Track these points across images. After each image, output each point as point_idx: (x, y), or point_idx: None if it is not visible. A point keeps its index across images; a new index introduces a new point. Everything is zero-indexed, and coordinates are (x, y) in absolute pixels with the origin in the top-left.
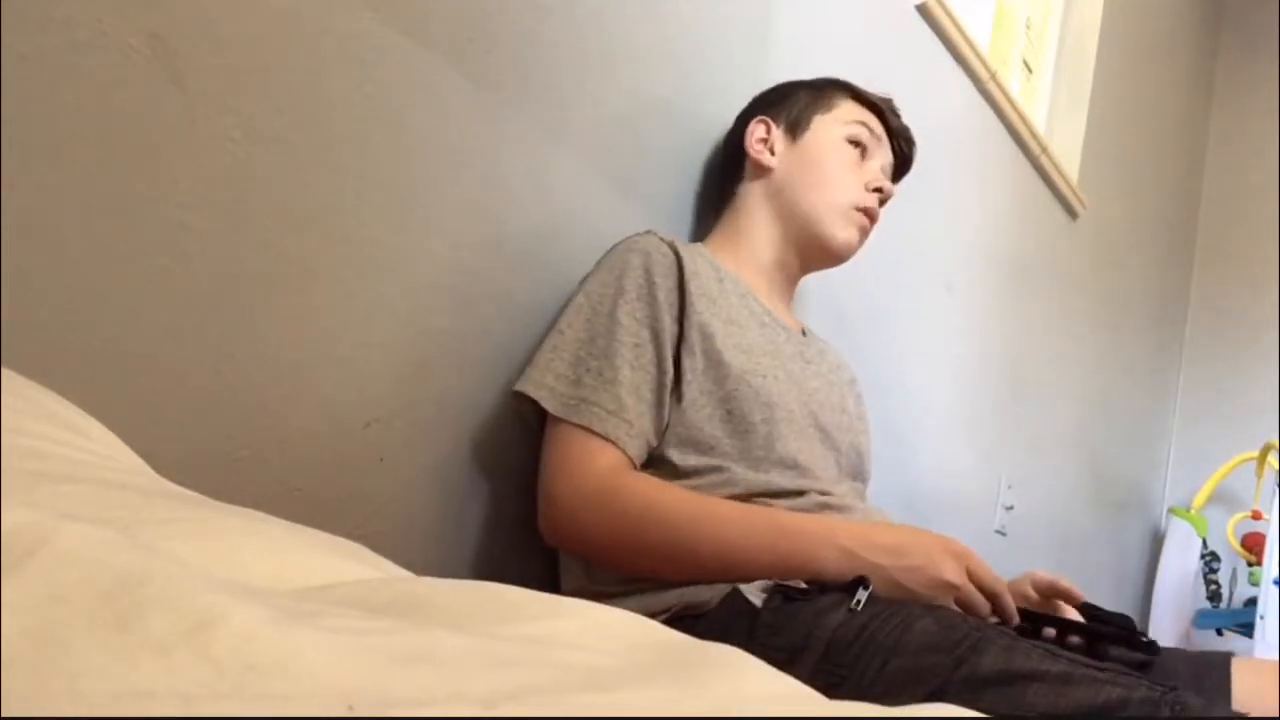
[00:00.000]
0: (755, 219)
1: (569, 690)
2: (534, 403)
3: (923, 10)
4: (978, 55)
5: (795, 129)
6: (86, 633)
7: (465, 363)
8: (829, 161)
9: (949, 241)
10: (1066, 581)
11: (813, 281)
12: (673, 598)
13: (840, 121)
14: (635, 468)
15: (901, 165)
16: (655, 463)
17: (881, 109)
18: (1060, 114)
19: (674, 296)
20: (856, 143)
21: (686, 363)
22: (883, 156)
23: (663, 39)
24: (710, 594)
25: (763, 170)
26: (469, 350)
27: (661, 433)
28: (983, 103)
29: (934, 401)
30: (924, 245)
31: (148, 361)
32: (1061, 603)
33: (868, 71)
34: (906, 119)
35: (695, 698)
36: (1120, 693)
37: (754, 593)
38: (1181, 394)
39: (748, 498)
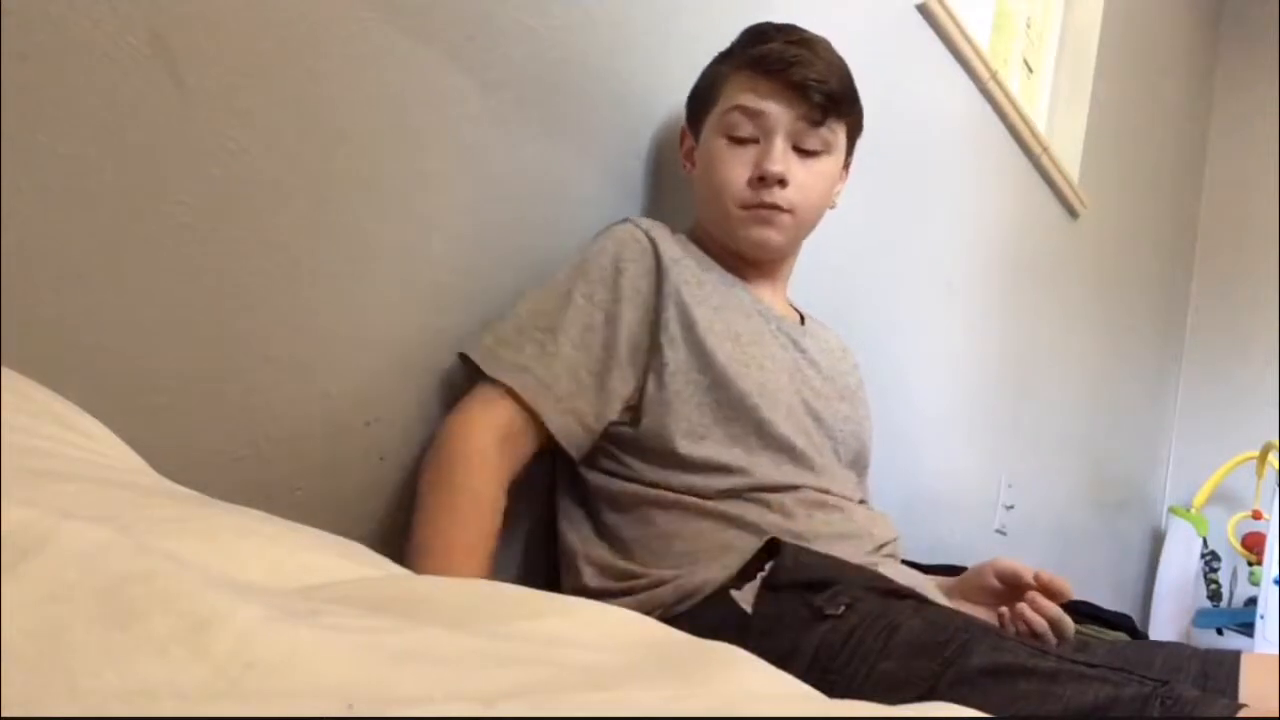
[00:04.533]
0: (702, 224)
1: (568, 689)
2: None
3: (923, 10)
4: (978, 55)
5: (698, 137)
6: (86, 632)
7: None
8: (714, 170)
9: (949, 241)
10: (1030, 571)
11: (812, 280)
12: (668, 591)
13: (720, 115)
14: (547, 442)
15: (822, 109)
16: (665, 458)
17: (766, 65)
18: (1061, 113)
19: (641, 284)
20: (735, 137)
21: (669, 353)
22: (774, 124)
23: (663, 38)
24: (705, 576)
25: (691, 183)
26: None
27: (601, 417)
28: (983, 102)
29: (934, 401)
30: (924, 245)
31: (148, 361)
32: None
33: (868, 71)
34: (906, 118)
35: (696, 696)
36: (1109, 690)
37: (744, 598)
38: (1182, 393)
39: (745, 490)
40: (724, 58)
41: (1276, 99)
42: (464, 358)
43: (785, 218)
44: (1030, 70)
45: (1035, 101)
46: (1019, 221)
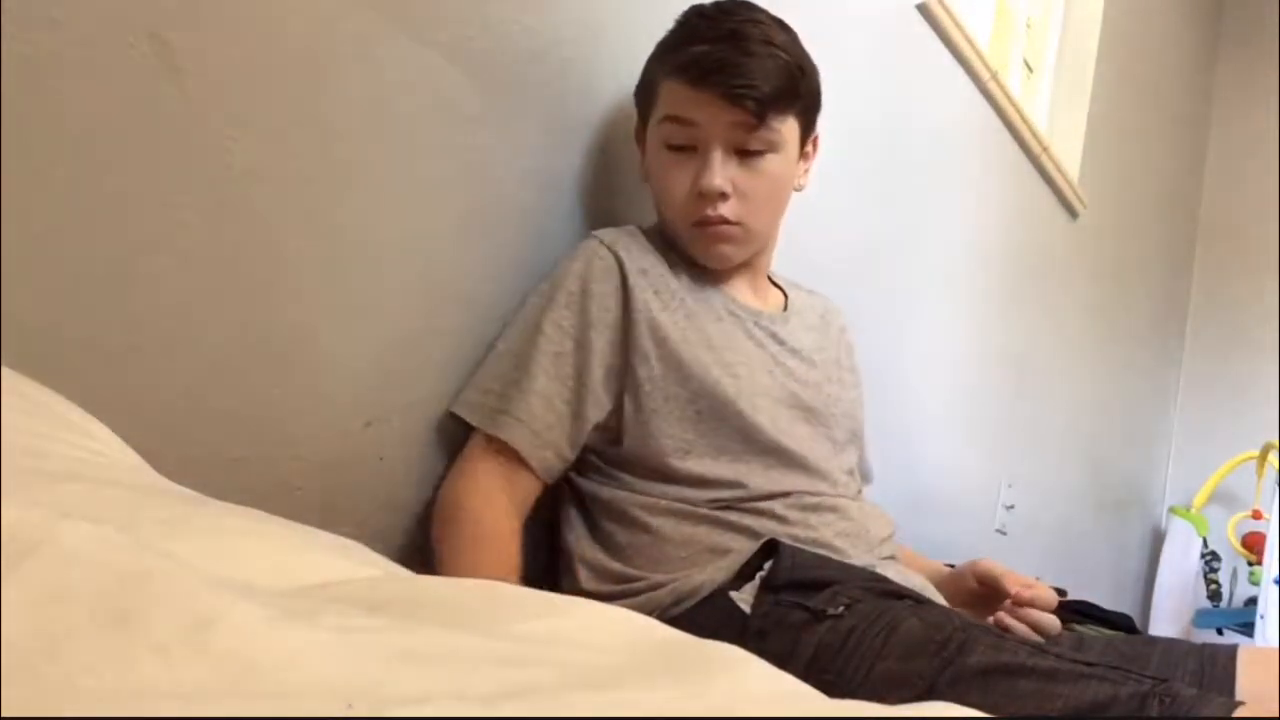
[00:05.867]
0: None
1: (569, 689)
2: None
3: (923, 10)
4: (978, 55)
5: (645, 139)
6: (86, 631)
7: (465, 363)
8: (658, 181)
9: (949, 241)
10: (1013, 579)
11: (812, 280)
12: (665, 594)
13: (656, 123)
14: (538, 478)
15: (757, 114)
16: (651, 473)
17: (692, 75)
18: (1061, 113)
19: (609, 304)
20: (673, 146)
21: (643, 371)
22: (708, 135)
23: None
24: (702, 579)
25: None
26: (468, 350)
27: (577, 445)
28: (983, 102)
29: (934, 400)
30: (924, 244)
31: (147, 361)
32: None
33: (868, 71)
34: (906, 118)
35: (697, 696)
36: (1108, 688)
37: (743, 599)
38: (1182, 393)
39: (737, 502)
40: (659, 52)
41: (1276, 97)
42: (454, 416)
43: (734, 230)
44: (1030, 70)
45: (1035, 101)
46: (1019, 221)
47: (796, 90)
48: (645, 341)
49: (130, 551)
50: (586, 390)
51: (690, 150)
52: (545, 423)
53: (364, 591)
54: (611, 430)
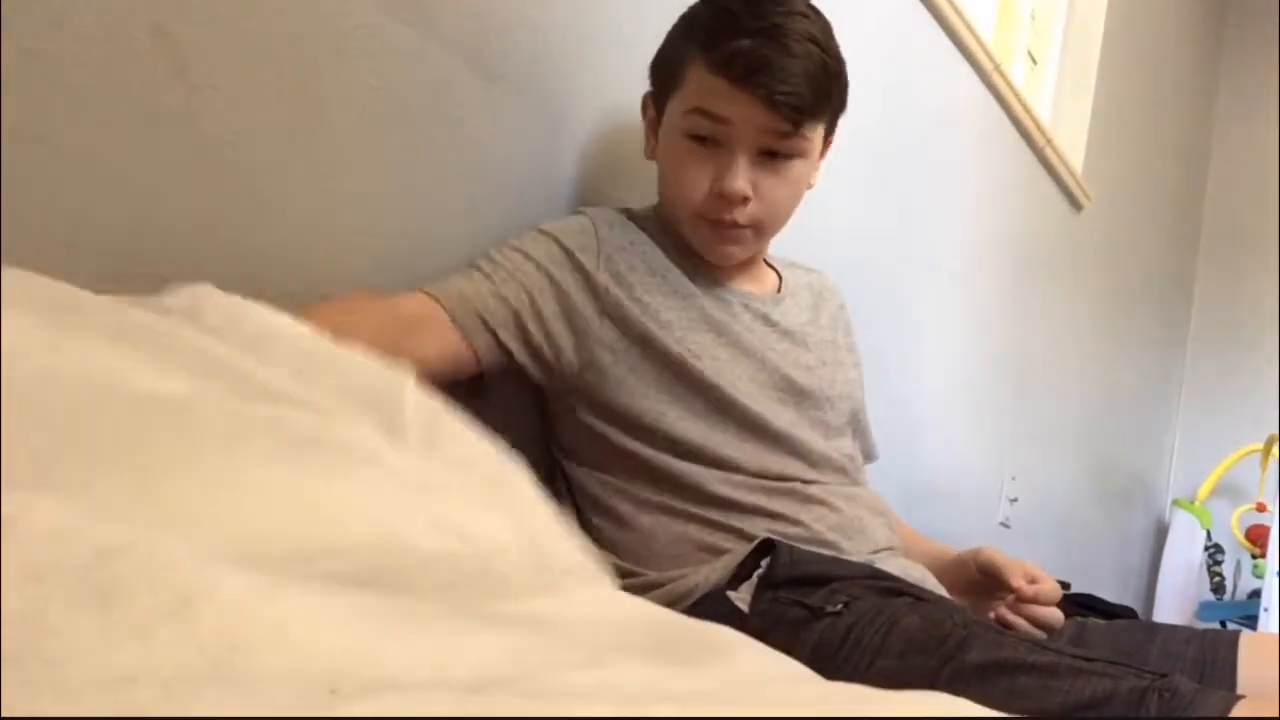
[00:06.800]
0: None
1: (561, 667)
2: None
3: (927, 1)
4: (982, 46)
5: (660, 117)
6: (67, 613)
7: None
8: (674, 170)
9: (953, 234)
10: (1017, 572)
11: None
12: (660, 596)
13: (682, 111)
14: (476, 355)
15: (794, 122)
16: (651, 437)
17: (732, 72)
18: (1065, 105)
19: (581, 259)
20: (697, 136)
21: (618, 341)
22: (737, 136)
23: (666, 28)
24: (697, 580)
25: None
26: None
27: (519, 347)
28: (987, 94)
29: (938, 394)
30: (928, 237)
31: None
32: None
33: (871, 63)
34: (910, 110)
35: (689, 677)
36: (1108, 684)
37: (741, 598)
38: (1186, 386)
39: (728, 475)
40: (692, 31)
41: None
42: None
43: (747, 233)
44: (1034, 62)
45: (1039, 93)
46: (1023, 214)
47: (830, 95)
48: (624, 306)
49: (106, 521)
50: (538, 314)
51: (713, 143)
52: (498, 319)
53: (363, 562)
54: (588, 377)
